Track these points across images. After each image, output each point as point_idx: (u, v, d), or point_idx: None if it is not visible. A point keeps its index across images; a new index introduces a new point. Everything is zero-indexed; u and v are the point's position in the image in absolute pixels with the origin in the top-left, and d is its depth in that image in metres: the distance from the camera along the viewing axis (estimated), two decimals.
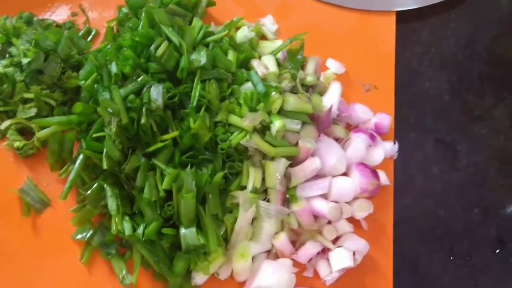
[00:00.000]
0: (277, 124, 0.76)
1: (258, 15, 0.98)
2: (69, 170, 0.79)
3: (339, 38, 0.96)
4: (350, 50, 0.95)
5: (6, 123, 0.83)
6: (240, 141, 0.76)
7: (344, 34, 0.97)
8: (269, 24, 0.97)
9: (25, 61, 0.83)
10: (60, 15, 0.98)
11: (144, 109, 0.76)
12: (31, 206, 0.82)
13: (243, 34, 0.92)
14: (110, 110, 0.75)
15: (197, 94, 0.78)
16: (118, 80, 0.79)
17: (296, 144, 0.79)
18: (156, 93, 0.77)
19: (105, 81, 0.80)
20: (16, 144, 0.82)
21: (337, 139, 0.83)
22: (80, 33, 0.94)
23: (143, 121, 0.75)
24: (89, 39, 0.95)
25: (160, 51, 0.80)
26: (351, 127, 0.87)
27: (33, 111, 0.83)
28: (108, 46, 0.90)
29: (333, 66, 0.91)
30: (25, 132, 0.86)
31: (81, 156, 0.78)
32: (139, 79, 0.79)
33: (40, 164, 0.85)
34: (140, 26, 0.85)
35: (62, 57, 0.86)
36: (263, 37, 0.96)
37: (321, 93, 0.85)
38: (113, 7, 0.99)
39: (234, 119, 0.77)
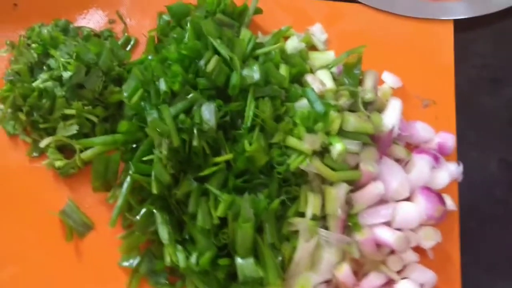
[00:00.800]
0: (338, 147, 0.71)
1: (305, 23, 0.92)
2: (116, 195, 0.74)
3: (393, 48, 0.91)
4: (405, 61, 0.89)
5: (46, 140, 0.79)
6: (299, 165, 0.71)
7: (398, 44, 0.91)
8: (318, 33, 0.91)
9: (66, 75, 0.78)
10: (96, 22, 0.93)
11: (195, 130, 0.71)
12: (73, 230, 0.78)
13: (292, 45, 0.87)
14: (160, 131, 0.71)
15: (251, 113, 0.73)
16: (166, 98, 0.74)
17: (356, 166, 0.74)
18: (208, 113, 0.72)
19: (153, 98, 0.75)
20: (58, 163, 0.78)
21: (397, 160, 0.78)
22: (119, 42, 0.89)
23: (195, 143, 0.71)
24: (128, 48, 0.91)
25: (210, 66, 0.75)
26: (410, 146, 0.81)
27: (74, 128, 0.78)
28: (150, 57, 0.86)
29: (390, 79, 0.85)
30: (64, 149, 0.81)
31: (128, 179, 0.73)
32: (188, 97, 0.74)
33: (81, 184, 0.81)
34: (187, 37, 0.80)
35: (103, 70, 0.81)
36: (312, 47, 0.90)
37: (379, 110, 0.80)
38: (152, 13, 0.93)
39: (292, 141, 0.71)
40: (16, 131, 0.83)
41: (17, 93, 0.79)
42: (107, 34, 0.90)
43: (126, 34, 0.91)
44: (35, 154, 0.82)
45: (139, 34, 0.92)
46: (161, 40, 0.89)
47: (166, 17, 0.91)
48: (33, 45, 0.84)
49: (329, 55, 0.87)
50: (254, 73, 0.75)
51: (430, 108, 0.85)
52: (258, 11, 0.90)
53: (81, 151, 0.79)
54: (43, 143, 0.79)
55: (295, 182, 0.73)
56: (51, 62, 0.81)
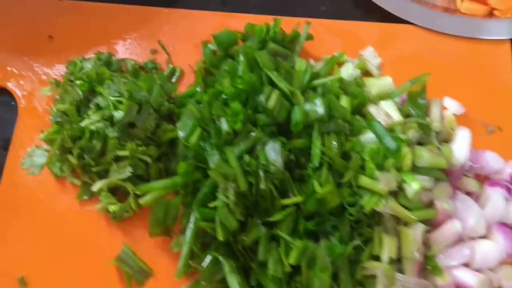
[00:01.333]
0: (414, 186, 0.67)
1: (356, 46, 0.88)
2: (180, 242, 0.70)
3: (450, 71, 0.87)
4: (463, 85, 0.86)
5: (99, 184, 0.75)
6: (374, 207, 0.67)
7: (454, 67, 0.87)
8: (370, 57, 0.87)
9: (118, 115, 0.73)
10: (138, 53, 0.89)
11: (261, 172, 0.68)
12: (131, 277, 0.74)
13: (348, 72, 0.83)
14: (225, 175, 0.67)
15: (317, 151, 0.69)
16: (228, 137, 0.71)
17: (430, 203, 0.71)
18: (274, 152, 0.68)
19: (213, 138, 0.71)
20: (112, 208, 0.74)
21: (468, 194, 0.74)
22: (165, 74, 0.85)
23: (262, 186, 0.67)
24: (173, 80, 0.86)
25: (272, 102, 0.71)
26: (480, 177, 0.77)
27: (128, 171, 0.74)
28: (198, 89, 0.82)
29: (452, 106, 0.82)
30: (117, 191, 0.77)
31: (191, 226, 0.69)
32: (250, 135, 0.70)
33: (136, 228, 0.77)
34: (240, 70, 0.76)
35: (154, 107, 0.77)
36: (366, 72, 0.86)
37: (446, 140, 0.76)
38: (194, 41, 0.89)
39: (365, 181, 0.68)
40: (63, 173, 0.79)
41: (66, 134, 0.75)
42: (151, 65, 0.86)
43: (171, 65, 0.87)
44: (85, 197, 0.78)
45: (182, 64, 0.88)
46: (209, 71, 0.85)
47: (211, 46, 0.87)
48: (77, 82, 0.80)
49: (386, 81, 0.83)
50: (317, 107, 0.72)
51: (495, 134, 0.82)
52: (309, 37, 0.86)
53: (135, 193, 0.75)
54: (96, 187, 0.75)
55: (367, 223, 0.69)
56: (99, 100, 0.77)
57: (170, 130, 0.77)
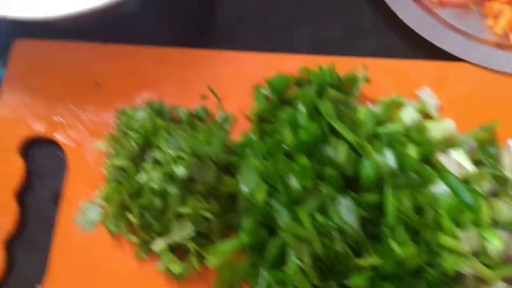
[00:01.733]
0: (496, 244, 0.65)
1: (410, 86, 0.86)
2: None
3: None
4: None
5: (160, 243, 0.72)
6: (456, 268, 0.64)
7: None
8: (428, 98, 0.84)
9: (180, 171, 0.71)
10: (188, 99, 0.86)
11: (335, 232, 0.65)
12: None
13: (409, 116, 0.80)
14: (299, 237, 0.64)
15: (392, 208, 0.67)
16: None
17: (508, 258, 0.68)
18: (347, 211, 0.66)
19: (282, 196, 0.68)
20: (175, 269, 0.71)
21: None
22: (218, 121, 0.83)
23: (339, 248, 0.64)
24: (226, 127, 0.84)
25: (341, 156, 0.68)
26: None
27: (190, 228, 0.71)
28: (252, 135, 0.80)
29: None
30: (176, 248, 0.74)
31: None
32: (319, 191, 0.68)
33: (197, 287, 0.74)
34: (302, 120, 0.74)
35: (215, 160, 0.74)
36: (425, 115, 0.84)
37: None
38: (244, 85, 0.87)
39: (445, 240, 0.65)
40: (120, 230, 0.76)
41: (125, 192, 0.72)
42: (203, 113, 0.84)
43: (222, 112, 0.84)
44: (144, 256, 0.75)
45: (232, 109, 0.85)
46: (262, 118, 0.82)
47: (264, 91, 0.84)
48: (130, 133, 0.77)
49: (448, 125, 0.80)
50: (388, 160, 0.69)
51: None
52: (366, 80, 0.83)
53: (197, 251, 0.73)
54: (157, 246, 0.72)
55: (445, 282, 0.66)
56: (157, 154, 0.74)
57: (231, 184, 0.74)
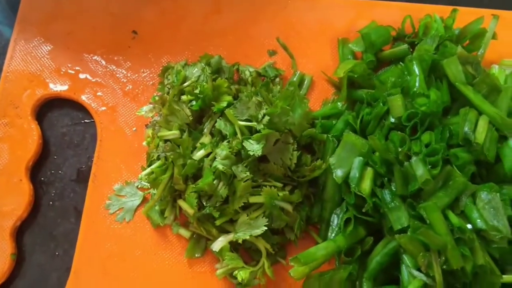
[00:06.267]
0: None
1: None
2: None
3: None
4: None
5: (222, 241, 0.54)
6: None
7: None
8: None
9: (254, 148, 0.52)
10: (251, 56, 0.66)
11: (477, 238, 0.47)
12: None
13: None
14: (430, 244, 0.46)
15: None
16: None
17: None
18: (495, 211, 0.47)
19: (397, 186, 0.50)
20: (241, 275, 0.53)
21: None
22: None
23: (481, 261, 0.46)
24: (302, 91, 0.65)
25: (481, 135, 0.50)
26: None
27: (263, 223, 0.53)
28: (339, 104, 0.61)
29: None
30: (238, 249, 0.56)
31: None
32: (453, 183, 0.49)
33: None
34: (417, 82, 0.55)
35: (296, 135, 0.56)
36: None
37: None
38: (325, 38, 0.68)
39: None
40: (168, 222, 0.58)
41: (177, 173, 0.54)
42: (273, 73, 0.64)
43: (297, 71, 0.65)
44: (197, 255, 0.57)
45: (308, 69, 0.66)
46: (351, 81, 0.63)
47: (352, 47, 0.65)
48: (184, 98, 0.58)
49: None
50: None
51: None
52: (494, 36, 0.63)
53: (270, 254, 0.55)
54: (217, 246, 0.54)
55: None
56: (220, 125, 0.55)
57: (318, 166, 0.55)
